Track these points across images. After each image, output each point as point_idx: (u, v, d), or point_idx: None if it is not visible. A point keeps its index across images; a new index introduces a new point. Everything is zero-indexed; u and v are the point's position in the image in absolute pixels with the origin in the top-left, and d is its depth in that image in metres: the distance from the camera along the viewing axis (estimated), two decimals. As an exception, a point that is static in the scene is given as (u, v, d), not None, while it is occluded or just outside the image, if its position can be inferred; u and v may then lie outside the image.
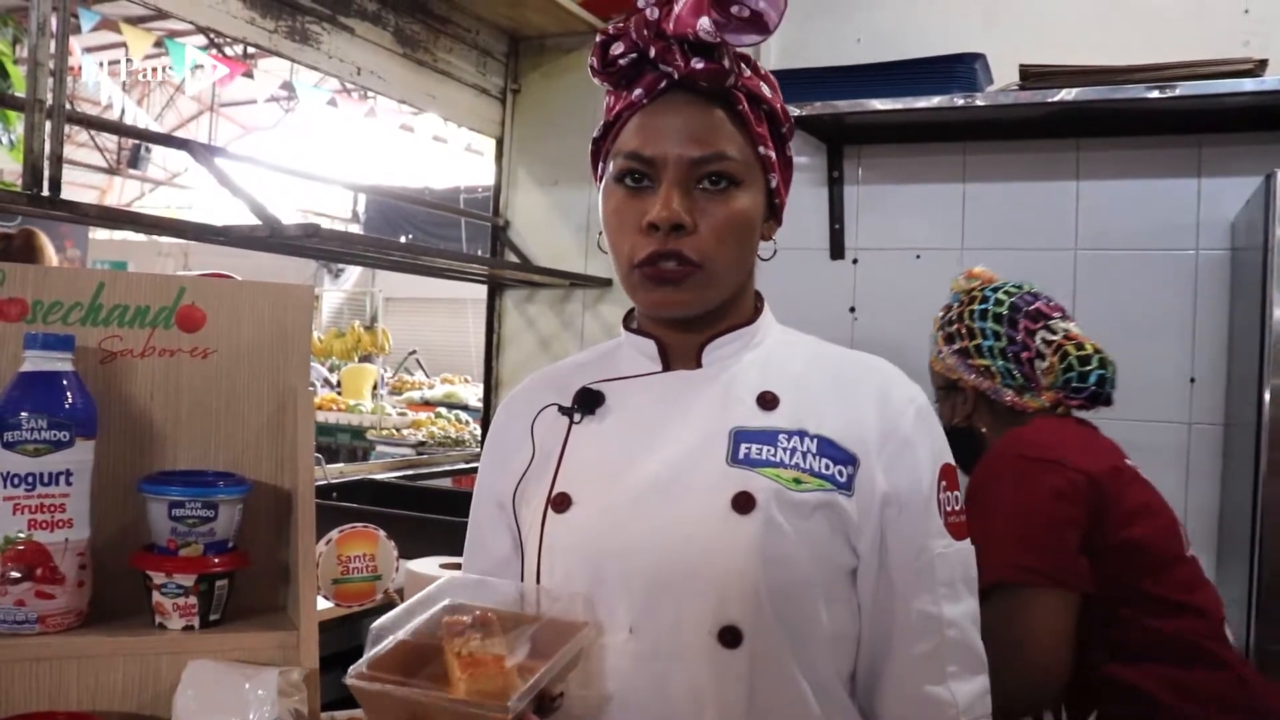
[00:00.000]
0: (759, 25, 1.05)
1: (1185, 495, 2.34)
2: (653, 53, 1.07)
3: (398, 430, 7.66)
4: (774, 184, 1.14)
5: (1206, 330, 2.36)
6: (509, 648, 0.93)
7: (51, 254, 3.28)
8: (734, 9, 1.04)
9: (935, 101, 2.27)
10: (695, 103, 1.08)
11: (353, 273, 14.83)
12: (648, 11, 1.07)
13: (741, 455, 1.08)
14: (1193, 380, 2.36)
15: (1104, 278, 2.43)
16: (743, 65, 1.11)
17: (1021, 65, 2.25)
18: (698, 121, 1.08)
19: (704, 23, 1.03)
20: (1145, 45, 2.25)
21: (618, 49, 1.10)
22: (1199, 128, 2.32)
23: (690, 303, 1.11)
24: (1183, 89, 2.08)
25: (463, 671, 0.90)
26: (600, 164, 1.16)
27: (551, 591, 1.09)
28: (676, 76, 1.07)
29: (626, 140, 1.10)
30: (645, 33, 1.07)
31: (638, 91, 1.09)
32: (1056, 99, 2.17)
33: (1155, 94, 2.10)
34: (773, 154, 1.12)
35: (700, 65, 1.05)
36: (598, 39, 1.11)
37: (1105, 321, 2.40)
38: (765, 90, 1.12)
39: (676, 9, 1.05)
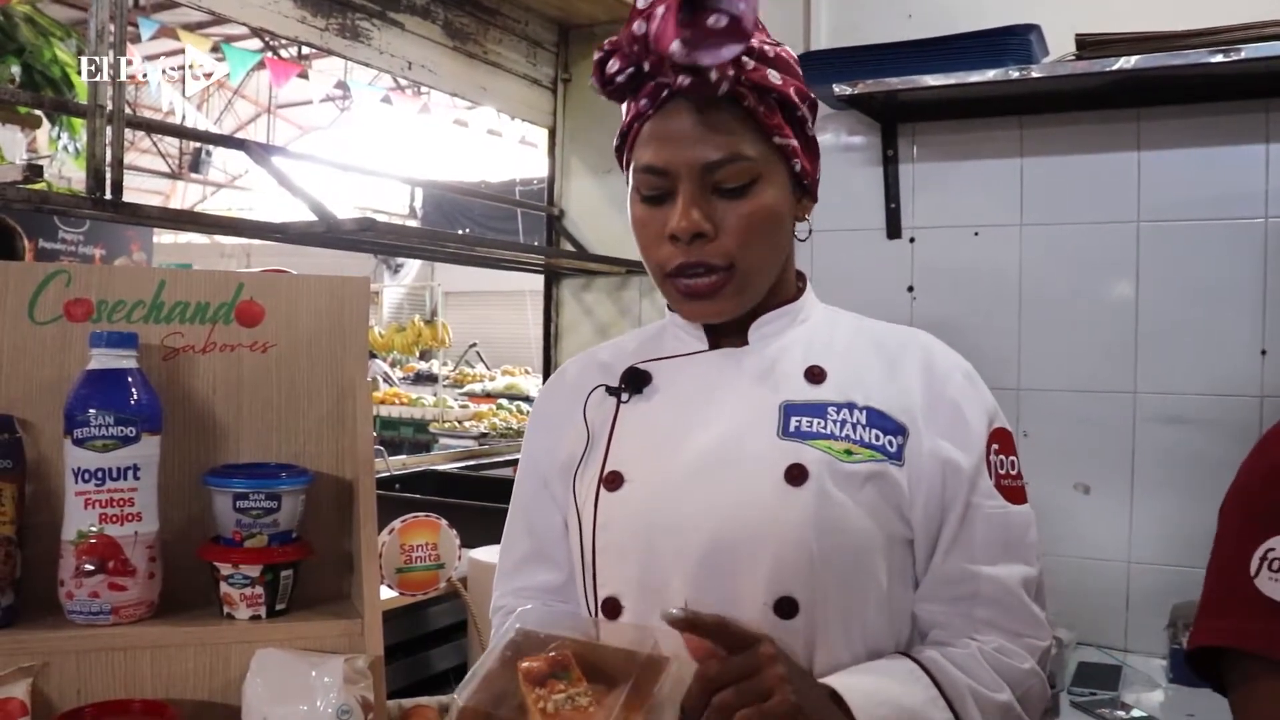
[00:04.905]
0: (736, 34, 1.01)
1: (1259, 470, 2.28)
2: (646, 66, 1.06)
3: (459, 423, 7.74)
4: (798, 168, 1.12)
5: (1278, 300, 2.29)
6: (596, 699, 0.92)
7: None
8: (710, 19, 1.00)
9: (990, 75, 2.23)
10: (701, 107, 1.06)
11: (412, 268, 14.99)
12: (635, 26, 1.04)
13: (792, 428, 1.09)
14: (1264, 352, 2.30)
15: (1169, 250, 2.37)
16: (744, 59, 1.07)
17: (1077, 34, 2.20)
18: (705, 126, 1.06)
19: (675, 47, 1.01)
20: (1206, 8, 2.18)
21: (614, 66, 1.09)
22: (1266, 91, 2.25)
23: (728, 310, 1.12)
24: (1248, 51, 2.02)
25: None
26: (625, 171, 1.16)
27: (619, 625, 1.09)
28: (672, 88, 1.05)
29: (640, 153, 1.10)
30: (636, 48, 1.05)
31: (643, 101, 1.09)
32: (1115, 68, 2.12)
33: (1219, 58, 2.04)
34: (791, 141, 1.10)
35: (687, 82, 1.03)
36: (595, 56, 1.10)
37: (1171, 294, 2.35)
38: (774, 78, 1.09)
39: (653, 26, 1.02)
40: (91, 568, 1.11)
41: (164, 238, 11.80)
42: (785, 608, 1.04)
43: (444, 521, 1.66)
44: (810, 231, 1.18)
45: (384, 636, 1.18)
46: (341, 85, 8.66)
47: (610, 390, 1.19)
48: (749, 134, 1.07)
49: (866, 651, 1.07)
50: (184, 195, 15.02)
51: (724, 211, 1.07)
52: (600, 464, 1.15)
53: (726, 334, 1.18)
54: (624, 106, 1.13)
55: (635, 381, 1.18)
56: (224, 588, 1.16)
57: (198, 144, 12.02)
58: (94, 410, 1.11)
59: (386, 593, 1.64)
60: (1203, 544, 2.37)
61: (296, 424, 1.29)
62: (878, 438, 1.09)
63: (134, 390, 1.14)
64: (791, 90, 1.10)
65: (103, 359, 1.14)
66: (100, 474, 1.12)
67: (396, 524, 1.61)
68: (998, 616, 1.09)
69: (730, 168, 1.06)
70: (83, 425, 1.11)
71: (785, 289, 1.19)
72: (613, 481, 1.13)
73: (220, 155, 12.99)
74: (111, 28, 1.85)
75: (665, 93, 1.07)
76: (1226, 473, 1.63)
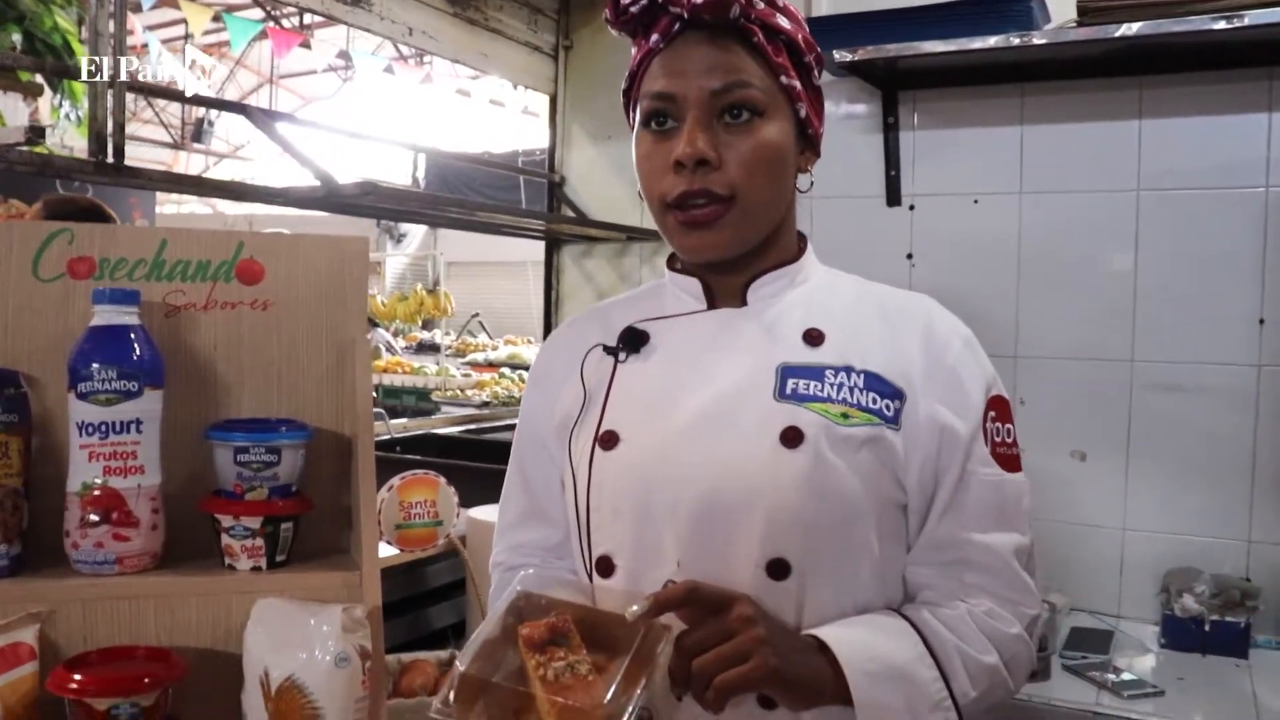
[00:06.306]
0: None
1: (1254, 439, 2.30)
2: None
3: (462, 391, 7.76)
4: (803, 113, 1.13)
5: (1277, 270, 2.30)
6: (596, 668, 0.93)
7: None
8: None
9: (991, 42, 2.23)
10: (711, 39, 1.08)
11: (415, 238, 14.98)
12: None
13: (789, 390, 1.09)
14: (1262, 321, 2.31)
15: (1168, 219, 2.38)
16: None
17: (1079, 1, 2.19)
18: (714, 55, 1.08)
19: None
20: (1209, -25, 2.18)
21: None
22: (1268, 60, 2.25)
23: (728, 243, 1.11)
24: (1251, 18, 2.01)
25: (550, 702, 0.90)
26: (630, 114, 1.17)
27: (616, 589, 1.10)
28: (685, 15, 1.07)
29: (649, 83, 1.11)
30: None
31: (654, 37, 1.10)
32: (1117, 35, 2.11)
33: (1221, 25, 2.03)
34: (797, 83, 1.12)
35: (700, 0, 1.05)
36: None
37: (1170, 263, 2.36)
38: (782, 21, 1.12)
39: None
40: (96, 519, 1.12)
41: (166, 208, 11.79)
42: (777, 569, 1.05)
43: (443, 479, 1.68)
44: (812, 183, 1.18)
45: (383, 594, 1.20)
46: (344, 55, 8.63)
47: (608, 350, 1.19)
48: (756, 68, 1.09)
49: (857, 614, 1.08)
50: (186, 165, 14.98)
51: (729, 143, 1.08)
52: (596, 424, 1.15)
53: (725, 294, 1.18)
54: (632, 51, 1.15)
55: (633, 341, 1.19)
56: (225, 539, 1.18)
57: (200, 114, 12.00)
58: (97, 365, 1.13)
59: (386, 550, 1.67)
60: (1197, 512, 2.40)
61: (296, 380, 1.30)
62: (874, 401, 1.09)
63: (136, 345, 1.15)
64: (799, 37, 1.13)
65: (105, 315, 1.15)
66: (104, 427, 1.13)
67: (396, 481, 1.63)
68: (988, 583, 1.10)
69: (737, 93, 1.08)
70: (86, 380, 1.13)
71: (785, 249, 1.19)
72: (608, 441, 1.13)
73: (222, 126, 12.97)
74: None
75: (677, 26, 1.08)
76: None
